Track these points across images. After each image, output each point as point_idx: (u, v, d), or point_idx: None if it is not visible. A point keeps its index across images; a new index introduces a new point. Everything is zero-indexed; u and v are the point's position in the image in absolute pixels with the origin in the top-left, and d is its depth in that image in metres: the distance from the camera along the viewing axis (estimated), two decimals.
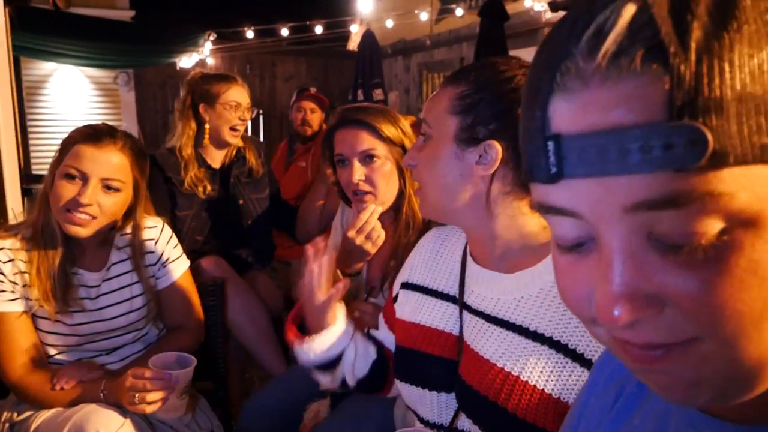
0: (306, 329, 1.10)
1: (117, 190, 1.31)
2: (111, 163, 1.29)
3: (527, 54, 5.49)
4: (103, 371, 1.32)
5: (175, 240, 1.53)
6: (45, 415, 1.26)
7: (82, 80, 8.14)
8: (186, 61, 7.06)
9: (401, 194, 1.44)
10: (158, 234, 1.48)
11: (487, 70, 0.90)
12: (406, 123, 1.46)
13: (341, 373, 1.11)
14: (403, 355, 1.03)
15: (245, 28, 5.67)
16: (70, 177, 1.26)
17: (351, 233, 1.37)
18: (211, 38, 5.43)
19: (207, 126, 2.07)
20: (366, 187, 1.39)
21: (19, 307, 1.28)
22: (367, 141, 1.39)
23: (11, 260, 1.28)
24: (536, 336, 0.82)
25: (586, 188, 0.34)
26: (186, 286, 1.53)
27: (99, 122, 1.42)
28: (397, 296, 1.13)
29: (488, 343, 0.88)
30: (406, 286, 1.09)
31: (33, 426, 1.25)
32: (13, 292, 1.28)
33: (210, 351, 1.69)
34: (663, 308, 0.33)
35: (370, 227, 1.37)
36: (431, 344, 0.98)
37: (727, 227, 0.31)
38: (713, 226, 0.31)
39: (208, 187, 2.06)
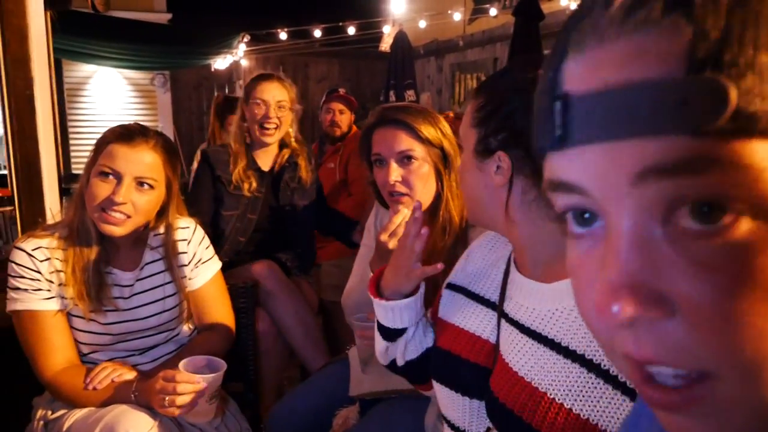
0: (380, 288, 1.08)
1: (150, 188, 1.32)
2: (144, 161, 1.30)
3: None
4: (135, 372, 1.32)
5: (207, 241, 1.53)
6: (77, 414, 1.27)
7: (120, 82, 8.34)
8: (220, 63, 7.16)
9: (438, 197, 1.40)
10: (191, 234, 1.48)
11: (499, 80, 0.91)
12: (446, 124, 1.43)
13: (396, 348, 1.10)
14: (439, 355, 1.01)
15: (279, 30, 5.71)
16: (104, 176, 1.27)
17: (383, 237, 1.34)
18: (245, 40, 5.48)
19: (246, 124, 2.10)
20: (402, 189, 1.37)
21: (54, 305, 1.30)
22: (405, 141, 1.36)
23: (48, 259, 1.30)
24: (567, 352, 0.78)
25: (593, 157, 0.30)
26: (218, 288, 1.53)
27: (132, 122, 1.42)
28: (441, 296, 1.11)
29: (519, 355, 0.85)
30: (450, 286, 1.07)
31: (66, 425, 1.26)
32: (49, 290, 1.29)
33: (240, 353, 1.68)
34: (671, 316, 0.29)
35: (400, 234, 1.34)
36: (466, 349, 0.96)
37: (756, 215, 0.26)
38: (738, 209, 0.26)
39: (254, 185, 2.07)
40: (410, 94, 5.37)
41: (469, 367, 0.94)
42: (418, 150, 1.37)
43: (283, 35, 5.72)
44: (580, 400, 0.74)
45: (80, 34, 4.58)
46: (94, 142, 1.37)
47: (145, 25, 5.83)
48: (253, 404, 1.71)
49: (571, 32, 0.32)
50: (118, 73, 8.12)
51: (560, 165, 0.33)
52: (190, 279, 1.47)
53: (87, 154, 1.36)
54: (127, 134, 1.31)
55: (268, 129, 2.05)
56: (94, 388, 1.26)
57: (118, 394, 1.26)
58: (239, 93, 8.03)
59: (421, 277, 1.02)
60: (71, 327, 1.33)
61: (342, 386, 1.51)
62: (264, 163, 2.14)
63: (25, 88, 1.83)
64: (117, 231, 1.29)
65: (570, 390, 0.75)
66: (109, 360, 1.37)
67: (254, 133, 2.08)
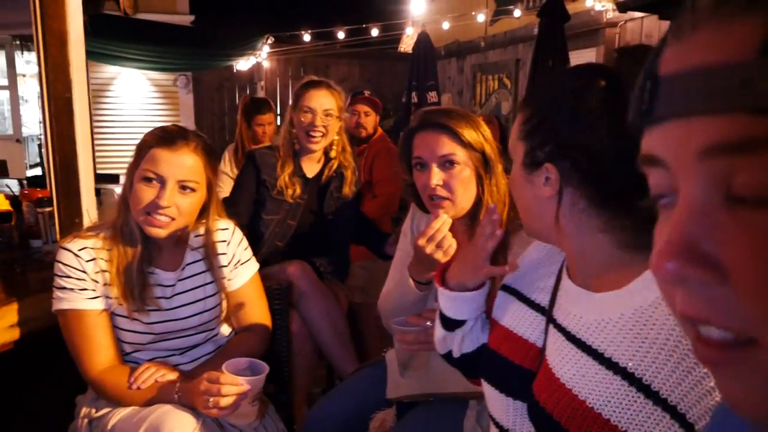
0: (445, 279, 1.09)
1: (193, 190, 1.33)
2: (186, 165, 1.31)
3: (587, 55, 5.33)
4: (177, 373, 1.33)
5: (245, 242, 1.54)
6: (122, 413, 1.28)
7: (144, 83, 8.45)
8: (243, 64, 7.22)
9: (479, 201, 1.40)
10: (230, 236, 1.49)
11: (544, 91, 0.91)
12: (487, 128, 1.42)
13: (454, 339, 1.11)
14: (488, 354, 1.02)
15: (302, 32, 5.73)
16: (148, 180, 1.29)
17: (421, 242, 1.34)
18: (269, 42, 5.51)
19: (294, 131, 2.11)
20: (443, 193, 1.36)
21: (99, 305, 1.32)
22: (447, 146, 1.36)
23: (93, 259, 1.32)
24: (610, 364, 0.78)
25: (671, 131, 0.34)
26: (256, 289, 1.54)
27: (170, 124, 1.44)
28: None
29: (563, 362, 0.85)
30: (505, 288, 1.07)
31: (110, 423, 1.27)
32: (94, 290, 1.31)
33: (274, 354, 1.69)
34: (722, 281, 0.31)
35: (441, 236, 1.33)
36: (514, 351, 0.97)
37: None
38: None
39: (297, 191, 2.08)
40: (432, 96, 5.35)
41: (515, 370, 0.95)
42: (460, 154, 1.36)
43: (306, 37, 5.73)
44: (619, 412, 0.74)
45: (108, 36, 4.65)
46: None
47: (171, 27, 5.90)
48: (287, 405, 1.71)
49: (674, 22, 0.36)
50: (142, 74, 8.22)
51: (648, 140, 0.37)
52: (229, 280, 1.48)
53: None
54: (168, 138, 1.32)
55: (314, 137, 2.05)
56: (138, 388, 1.27)
57: (162, 394, 1.27)
58: (261, 94, 8.09)
59: (487, 276, 1.03)
60: (115, 326, 1.35)
61: (378, 389, 1.51)
62: (309, 170, 2.15)
63: (65, 91, 1.86)
64: (162, 233, 1.31)
65: (610, 401, 0.75)
66: (150, 360, 1.39)
67: (301, 140, 2.09)
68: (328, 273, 2.21)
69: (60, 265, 1.30)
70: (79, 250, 1.31)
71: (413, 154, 1.43)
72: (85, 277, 1.30)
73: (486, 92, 7.11)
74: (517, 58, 6.49)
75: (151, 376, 1.29)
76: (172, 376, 1.31)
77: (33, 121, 9.98)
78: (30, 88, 10.17)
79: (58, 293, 1.30)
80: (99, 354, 1.30)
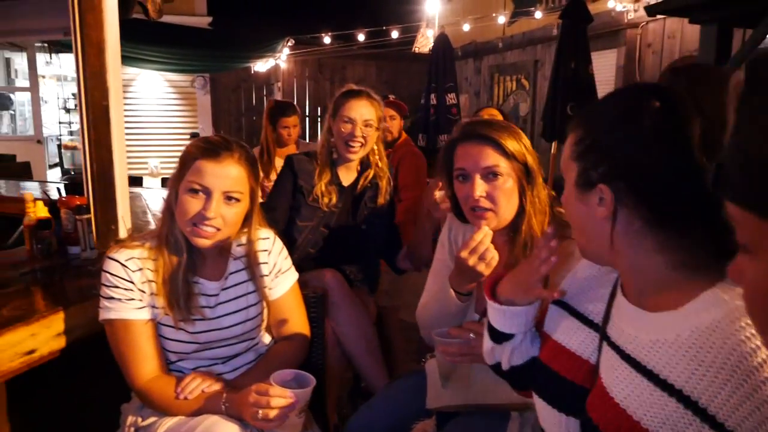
0: (495, 293, 1.10)
1: (237, 200, 1.35)
2: (231, 176, 1.32)
3: (608, 56, 5.29)
4: (223, 383, 1.34)
5: (285, 251, 1.55)
6: (169, 422, 1.29)
7: (162, 84, 8.51)
8: (261, 66, 7.26)
9: (520, 212, 1.39)
10: (271, 245, 1.51)
11: (596, 111, 0.89)
12: (527, 140, 1.42)
13: (502, 352, 1.11)
14: (540, 368, 1.02)
15: (322, 34, 5.74)
16: (194, 192, 1.30)
17: (464, 254, 1.33)
18: (290, 44, 5.53)
19: (332, 140, 2.11)
20: (487, 204, 1.36)
21: (146, 315, 1.33)
22: (491, 157, 1.36)
23: (140, 269, 1.33)
24: (665, 385, 0.76)
25: None
26: (295, 298, 1.55)
27: (213, 134, 1.45)
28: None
29: (617, 381, 0.84)
30: (557, 302, 1.07)
31: None
32: (141, 300, 1.33)
33: (310, 363, 1.69)
34: None
35: (484, 248, 1.33)
36: (565, 366, 0.96)
37: None
38: None
39: (333, 200, 2.09)
40: (451, 97, 5.33)
41: (568, 386, 0.94)
42: (503, 165, 1.36)
43: (327, 39, 5.74)
44: None
45: (131, 39, 4.69)
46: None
47: (191, 30, 5.94)
48: (322, 414, 1.72)
49: None
50: (160, 75, 8.29)
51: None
52: (270, 289, 1.49)
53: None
54: (212, 149, 1.33)
55: (353, 147, 2.05)
56: (186, 398, 1.28)
57: (209, 405, 1.28)
58: (278, 95, 8.12)
59: (538, 298, 1.03)
60: (160, 336, 1.36)
61: (417, 399, 1.51)
62: (345, 178, 2.15)
63: (102, 99, 1.87)
64: (207, 243, 1.33)
65: (665, 423, 0.74)
66: (194, 369, 1.40)
67: (340, 150, 2.09)
68: (357, 281, 2.21)
69: (107, 275, 1.31)
70: (126, 260, 1.32)
71: (455, 166, 1.42)
72: (132, 287, 1.31)
73: (504, 93, 7.09)
74: (536, 59, 6.46)
75: (198, 386, 1.30)
76: (219, 386, 1.32)
77: (52, 121, 10.11)
78: (49, 89, 10.31)
79: (105, 303, 1.32)
80: (146, 363, 1.32)
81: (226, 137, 1.40)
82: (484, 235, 1.33)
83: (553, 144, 4.33)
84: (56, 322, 1.41)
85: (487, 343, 1.14)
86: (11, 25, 3.13)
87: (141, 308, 1.32)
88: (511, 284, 1.06)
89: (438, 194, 1.79)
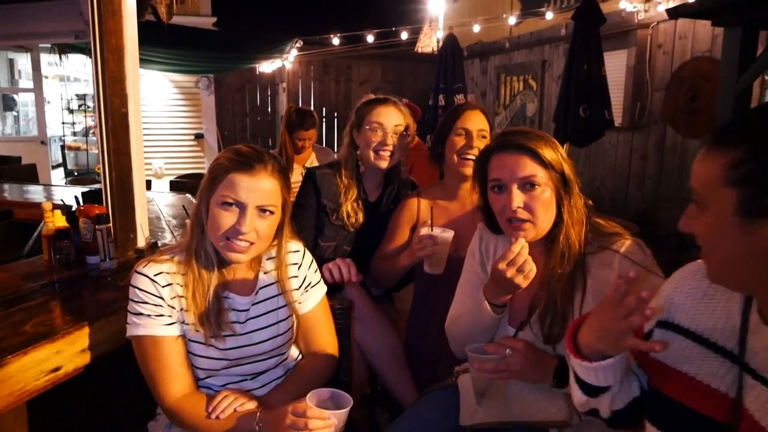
0: (578, 344, 1.01)
1: (271, 213, 1.31)
2: (265, 189, 1.29)
3: (619, 57, 5.26)
4: (256, 402, 1.31)
5: (315, 265, 1.52)
6: None
7: (166, 85, 8.49)
8: (266, 66, 7.22)
9: (557, 223, 1.35)
10: (301, 258, 1.47)
11: (759, 130, 0.79)
12: (561, 149, 1.38)
13: (600, 402, 1.05)
14: (662, 402, 0.96)
15: (330, 35, 5.70)
16: (227, 206, 1.27)
17: (502, 266, 1.29)
18: (298, 45, 5.49)
19: (358, 152, 2.03)
20: (524, 215, 1.32)
21: (175, 331, 1.29)
22: (528, 167, 1.32)
23: (169, 284, 1.29)
24: None
25: None
26: (324, 312, 1.52)
27: (244, 145, 1.39)
28: (650, 333, 1.03)
29: None
30: (666, 325, 0.99)
31: None
32: (170, 316, 1.29)
33: (337, 377, 1.66)
34: None
35: (522, 260, 1.29)
36: (698, 400, 0.90)
37: None
38: None
39: (360, 219, 2.01)
40: (460, 98, 5.29)
41: (706, 423, 0.88)
42: (541, 175, 1.32)
43: (335, 40, 5.70)
44: None
45: (141, 41, 4.64)
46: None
47: (198, 31, 5.89)
48: (348, 427, 1.68)
49: None
50: (164, 76, 8.26)
51: None
52: (299, 303, 1.46)
53: None
54: (246, 162, 1.28)
55: (383, 154, 1.97)
56: (218, 417, 1.24)
57: (241, 424, 1.24)
58: (283, 95, 8.07)
59: (630, 348, 0.94)
60: (189, 353, 1.32)
61: (449, 416, 1.47)
62: (371, 193, 2.07)
63: (121, 105, 1.84)
64: (242, 258, 1.29)
65: None
66: (223, 386, 1.36)
67: (368, 159, 1.99)
68: (380, 295, 2.16)
69: (136, 291, 1.28)
70: (155, 275, 1.28)
71: (490, 176, 1.38)
72: (162, 302, 1.28)
73: (510, 93, 7.04)
74: (543, 59, 6.42)
75: (231, 405, 1.26)
76: (251, 405, 1.28)
77: (55, 122, 10.09)
78: (52, 89, 10.29)
79: (133, 319, 1.28)
80: (175, 381, 1.28)
81: (257, 148, 1.36)
82: (522, 247, 1.30)
83: (565, 146, 4.30)
84: (81, 338, 1.37)
85: (578, 396, 1.06)
86: (24, 28, 3.10)
87: (170, 324, 1.28)
88: (595, 335, 0.97)
89: (423, 231, 1.73)
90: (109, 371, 1.50)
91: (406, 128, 2.01)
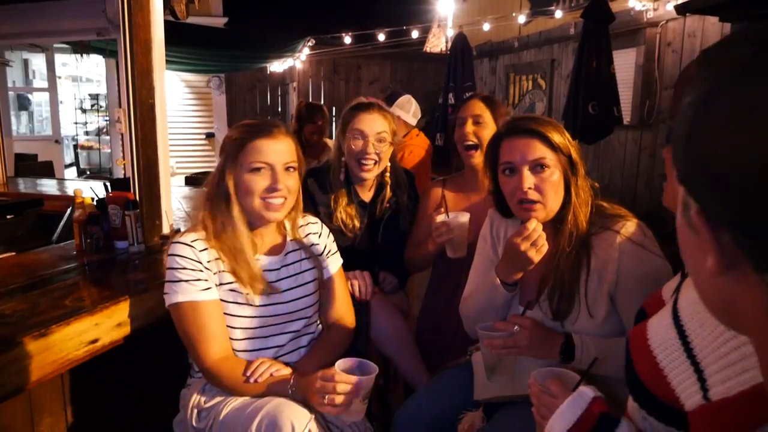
0: None
1: (295, 169, 1.45)
2: (286, 149, 1.43)
3: (628, 55, 5.30)
4: (290, 369, 1.39)
5: (332, 236, 1.67)
6: (234, 402, 1.34)
7: (178, 84, 8.59)
8: (277, 66, 7.31)
9: (565, 204, 1.42)
10: (320, 228, 1.63)
11: None
12: (567, 133, 1.45)
13: None
14: (632, 372, 0.94)
15: (342, 34, 5.77)
16: (257, 170, 1.39)
17: (517, 240, 1.36)
18: (310, 44, 5.57)
19: (343, 158, 1.98)
20: (535, 196, 1.38)
21: (213, 295, 1.38)
22: (539, 150, 1.38)
23: (206, 249, 1.40)
24: None
25: None
26: (342, 281, 1.65)
27: (249, 118, 1.56)
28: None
29: None
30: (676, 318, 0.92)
31: (223, 412, 1.33)
32: (207, 280, 1.38)
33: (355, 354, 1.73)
34: None
35: (537, 235, 1.35)
36: (657, 390, 0.83)
37: None
38: None
39: (357, 224, 1.98)
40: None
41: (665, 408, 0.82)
42: (550, 157, 1.39)
43: (347, 39, 5.77)
44: None
45: None
46: None
47: (210, 30, 5.98)
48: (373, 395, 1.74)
49: None
50: (176, 75, 8.35)
51: None
52: (324, 268, 1.59)
53: None
54: (264, 129, 1.42)
55: (366, 164, 1.91)
56: (256, 380, 1.33)
57: (276, 388, 1.33)
58: (293, 94, 8.15)
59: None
60: (226, 314, 1.41)
61: (463, 390, 1.54)
62: (365, 194, 2.04)
63: (149, 97, 1.92)
64: (279, 216, 1.43)
65: None
66: (256, 351, 1.45)
67: (352, 168, 1.95)
68: (392, 285, 2.15)
69: (176, 258, 1.36)
70: (193, 241, 1.39)
71: (501, 160, 1.45)
72: (200, 266, 1.37)
73: (520, 93, 7.09)
74: (552, 58, 6.47)
75: (267, 369, 1.35)
76: (286, 372, 1.37)
77: (67, 121, 10.23)
78: (66, 90, 10.43)
79: (172, 287, 1.36)
80: (214, 343, 1.36)
81: (262, 117, 1.48)
82: (536, 224, 1.36)
83: (574, 143, 4.35)
84: (117, 313, 1.45)
85: None
86: (46, 26, 3.19)
87: (207, 289, 1.37)
88: None
89: (439, 218, 1.80)
90: (142, 346, 1.57)
91: (392, 134, 1.96)
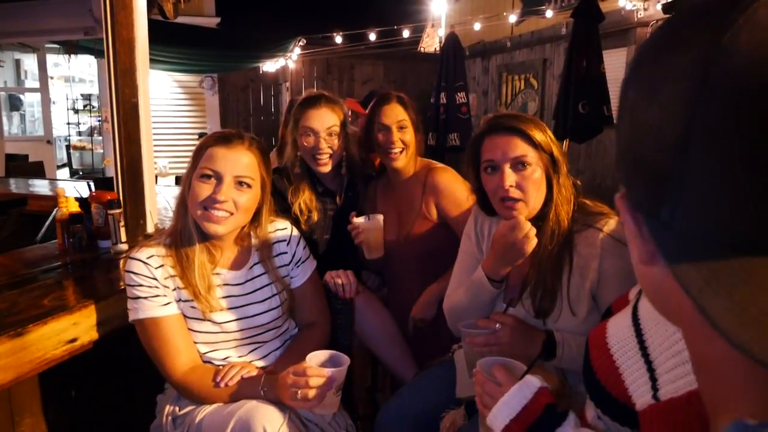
0: None
1: (249, 186, 1.38)
2: (241, 161, 1.36)
3: (618, 55, 5.32)
4: (260, 370, 1.38)
5: (303, 241, 1.60)
6: (208, 409, 1.32)
7: (170, 84, 8.56)
8: (269, 65, 7.30)
9: (547, 201, 1.42)
10: (289, 235, 1.55)
11: None
12: (549, 131, 1.44)
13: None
14: (590, 372, 0.97)
15: (334, 34, 5.77)
16: (206, 177, 1.34)
17: (509, 231, 1.35)
18: (301, 43, 5.56)
19: (299, 153, 1.99)
20: (516, 194, 1.38)
21: (173, 309, 1.36)
22: (520, 147, 1.38)
23: (162, 266, 1.36)
24: None
25: None
26: (316, 285, 1.61)
27: (236, 129, 1.50)
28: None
29: None
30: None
31: (197, 419, 1.31)
32: (165, 296, 1.35)
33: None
34: None
35: (528, 227, 1.35)
36: (612, 388, 0.84)
37: None
38: None
39: (314, 217, 1.98)
40: (461, 96, 5.36)
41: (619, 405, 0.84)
42: (531, 155, 1.38)
43: (338, 39, 5.76)
44: None
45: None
46: None
47: (202, 30, 5.96)
48: (348, 403, 1.75)
49: None
50: (168, 76, 8.33)
51: None
52: (292, 278, 1.54)
53: None
54: (224, 137, 1.38)
55: (320, 159, 1.93)
56: (226, 385, 1.31)
57: (247, 390, 1.31)
58: (287, 94, 8.14)
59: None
60: (189, 329, 1.39)
61: (446, 388, 1.54)
62: (330, 183, 2.06)
63: (132, 96, 1.91)
64: (220, 229, 1.35)
65: None
66: (225, 358, 1.43)
67: (309, 163, 1.98)
68: (375, 283, 2.19)
69: (131, 275, 1.34)
70: (147, 258, 1.35)
71: (482, 158, 1.44)
72: (156, 283, 1.34)
73: (512, 92, 7.11)
74: (544, 57, 6.48)
75: (238, 373, 1.33)
76: (256, 372, 1.36)
77: (60, 122, 10.18)
78: (58, 90, 10.38)
79: (132, 304, 1.34)
80: (179, 357, 1.34)
81: (239, 130, 1.45)
82: (524, 219, 1.36)
83: (565, 142, 4.35)
84: (96, 312, 1.44)
85: None
86: (34, 26, 3.17)
87: (167, 304, 1.35)
88: None
89: (354, 221, 1.82)
90: (119, 347, 1.56)
91: (343, 124, 1.96)
